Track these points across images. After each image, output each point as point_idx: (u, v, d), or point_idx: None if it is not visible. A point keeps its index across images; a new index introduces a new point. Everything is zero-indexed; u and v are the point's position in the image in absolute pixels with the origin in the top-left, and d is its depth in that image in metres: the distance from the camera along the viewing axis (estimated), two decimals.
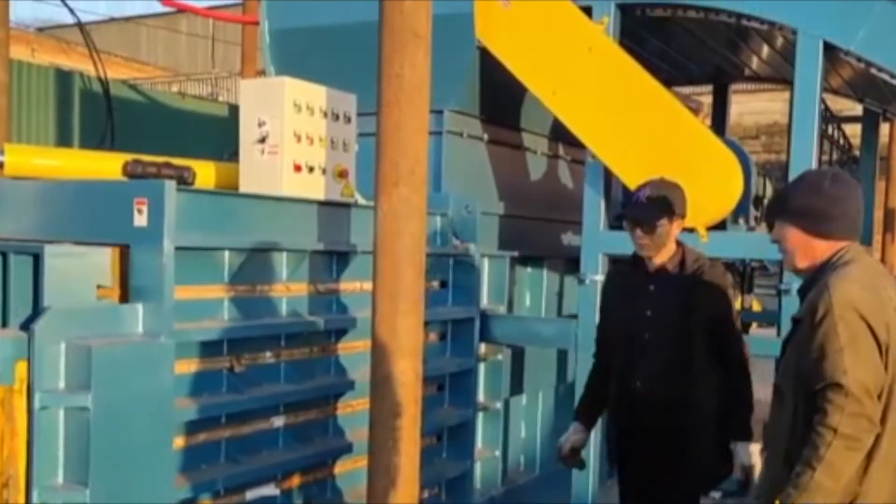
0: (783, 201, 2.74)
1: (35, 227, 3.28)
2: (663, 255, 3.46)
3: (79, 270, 3.06)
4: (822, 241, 2.61)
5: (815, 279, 2.60)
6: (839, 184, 2.64)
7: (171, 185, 3.10)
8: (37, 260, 2.97)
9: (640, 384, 3.45)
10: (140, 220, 3.09)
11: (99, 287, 3.08)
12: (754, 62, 6.13)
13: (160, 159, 3.51)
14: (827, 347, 2.42)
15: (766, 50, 5.70)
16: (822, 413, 2.41)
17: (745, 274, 7.16)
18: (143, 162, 3.45)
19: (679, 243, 3.51)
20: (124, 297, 3.18)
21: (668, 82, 5.95)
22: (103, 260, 3.12)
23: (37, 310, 2.96)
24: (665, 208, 3.40)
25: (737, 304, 3.76)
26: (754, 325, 7.32)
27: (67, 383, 2.93)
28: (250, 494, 3.70)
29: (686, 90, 8.18)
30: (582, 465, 3.72)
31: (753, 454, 3.35)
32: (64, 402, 2.92)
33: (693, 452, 3.41)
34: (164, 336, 3.15)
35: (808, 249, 2.63)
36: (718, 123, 6.72)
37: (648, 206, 3.41)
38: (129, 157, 3.53)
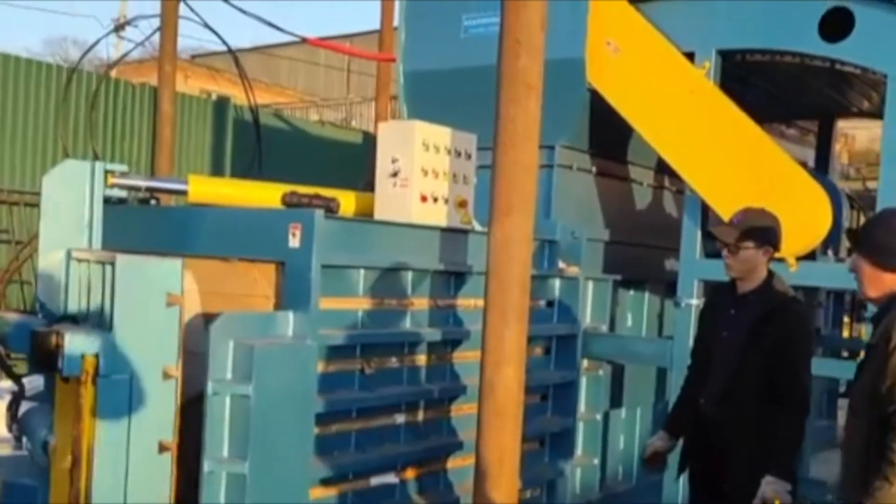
0: (859, 236, 2.96)
1: (210, 246, 3.82)
2: (750, 282, 3.59)
3: (148, 279, 3.26)
4: (889, 274, 2.81)
5: (887, 308, 2.80)
6: None
7: (319, 214, 3.60)
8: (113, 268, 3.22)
9: (704, 401, 3.63)
10: (294, 242, 3.59)
11: (169, 294, 3.27)
12: (858, 99, 6.27)
13: (311, 191, 4.07)
14: None
15: (867, 88, 5.86)
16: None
17: (854, 303, 7.25)
18: (298, 193, 4.02)
19: (771, 275, 3.62)
20: (278, 305, 3.68)
21: (774, 118, 6.19)
22: (174, 270, 3.30)
23: (111, 314, 3.23)
24: (751, 234, 3.52)
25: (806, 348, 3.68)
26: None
27: (234, 375, 3.42)
28: (374, 481, 4.08)
29: None
30: (662, 468, 3.93)
31: (779, 493, 3.33)
32: (230, 389, 3.41)
33: (732, 475, 3.49)
34: (309, 339, 3.58)
35: (877, 281, 2.84)
36: (823, 157, 6.85)
37: (734, 229, 3.56)
38: (286, 188, 4.10)
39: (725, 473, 3.55)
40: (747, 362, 3.52)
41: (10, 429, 3.87)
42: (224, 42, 8.94)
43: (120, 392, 3.24)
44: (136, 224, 4.10)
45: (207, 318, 3.62)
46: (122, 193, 4.06)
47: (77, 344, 3.18)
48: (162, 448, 3.33)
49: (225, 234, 3.87)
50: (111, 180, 3.96)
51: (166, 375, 3.33)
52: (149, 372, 3.30)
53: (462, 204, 4.47)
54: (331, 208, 4.00)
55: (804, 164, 5.68)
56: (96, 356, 3.17)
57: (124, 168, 4.09)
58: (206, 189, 4.21)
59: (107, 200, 3.93)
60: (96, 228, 3.83)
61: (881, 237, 2.86)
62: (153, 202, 4.22)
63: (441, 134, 4.40)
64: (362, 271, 3.96)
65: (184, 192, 4.17)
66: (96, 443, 3.19)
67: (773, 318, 3.51)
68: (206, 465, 3.42)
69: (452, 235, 4.40)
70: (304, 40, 9.76)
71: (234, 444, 3.43)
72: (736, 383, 3.54)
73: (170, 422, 3.37)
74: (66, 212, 3.82)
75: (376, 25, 11.18)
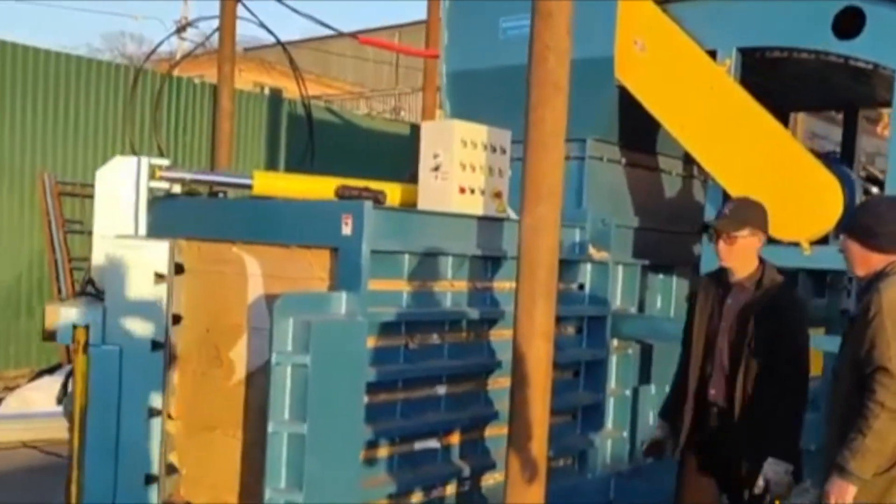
0: (848, 221, 3.29)
1: (272, 234, 4.18)
2: (744, 271, 3.68)
3: (136, 260, 3.56)
4: (875, 254, 3.09)
5: (871, 285, 3.08)
6: (892, 207, 3.18)
7: (369, 205, 3.95)
8: None
9: (713, 392, 3.74)
10: (346, 230, 3.93)
11: (156, 273, 3.55)
12: (881, 91, 6.44)
13: (361, 184, 4.47)
14: (877, 339, 2.92)
15: (888, 80, 6.05)
16: (871, 391, 2.91)
17: None
18: (350, 187, 4.41)
19: (762, 263, 3.70)
20: (332, 286, 4.02)
21: (799, 109, 6.39)
22: (161, 253, 3.57)
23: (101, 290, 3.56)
24: (746, 222, 3.64)
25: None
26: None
27: (293, 347, 3.74)
28: (417, 445, 4.41)
29: None
30: (661, 456, 4.05)
31: (779, 473, 3.45)
32: (291, 360, 3.74)
33: (741, 456, 3.59)
34: (360, 317, 3.88)
35: (864, 259, 3.13)
36: (848, 145, 6.99)
37: (730, 219, 3.67)
38: (339, 181, 4.49)
39: (735, 459, 3.66)
40: (747, 349, 3.64)
41: (59, 401, 4.21)
42: (279, 41, 9.39)
43: (110, 361, 3.55)
44: (207, 215, 4.55)
45: (269, 299, 4.03)
46: (165, 185, 4.38)
47: (69, 316, 3.53)
48: (152, 413, 3.62)
49: (285, 223, 4.23)
50: (158, 174, 4.28)
51: (155, 347, 3.61)
52: (139, 343, 3.58)
53: (497, 195, 4.77)
54: (378, 200, 4.38)
55: (829, 153, 5.95)
56: (87, 327, 3.52)
57: (167, 162, 4.40)
58: (268, 183, 4.63)
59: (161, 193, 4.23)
60: (141, 217, 4.15)
61: (868, 222, 3.16)
62: (221, 195, 4.68)
63: (478, 131, 4.72)
64: (407, 256, 4.28)
65: (249, 186, 4.60)
66: (88, 407, 3.53)
67: (767, 303, 3.62)
68: (270, 427, 3.77)
69: (488, 223, 4.70)
70: (355, 37, 10.20)
71: (294, 407, 3.76)
72: (738, 370, 3.66)
73: (159, 389, 3.62)
74: (116, 202, 4.15)
75: (424, 15, 11.54)
